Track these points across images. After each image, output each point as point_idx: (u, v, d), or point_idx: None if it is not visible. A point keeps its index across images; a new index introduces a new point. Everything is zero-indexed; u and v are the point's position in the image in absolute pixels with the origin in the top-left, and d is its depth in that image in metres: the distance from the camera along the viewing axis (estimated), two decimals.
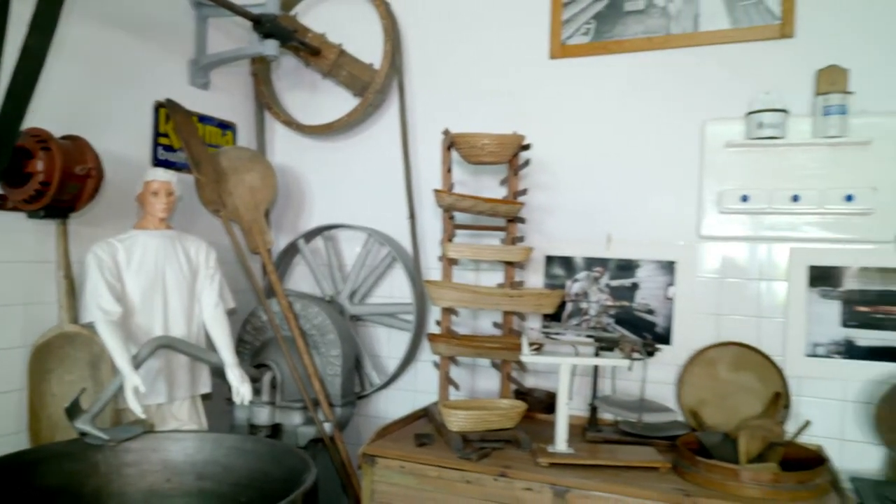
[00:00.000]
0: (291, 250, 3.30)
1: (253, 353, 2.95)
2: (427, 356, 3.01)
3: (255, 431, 2.73)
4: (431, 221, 3.09)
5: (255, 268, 3.13)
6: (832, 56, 2.45)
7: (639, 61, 2.77)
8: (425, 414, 2.74)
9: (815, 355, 2.47)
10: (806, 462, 2.12)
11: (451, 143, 2.64)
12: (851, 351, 2.43)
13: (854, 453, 2.42)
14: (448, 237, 2.61)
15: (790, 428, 2.36)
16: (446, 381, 2.62)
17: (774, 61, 2.56)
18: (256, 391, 2.66)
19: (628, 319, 2.73)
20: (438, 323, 2.67)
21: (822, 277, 2.47)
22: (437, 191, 2.55)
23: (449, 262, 2.61)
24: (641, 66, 2.76)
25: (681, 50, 2.70)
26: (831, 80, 2.41)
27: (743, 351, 2.52)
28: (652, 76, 2.74)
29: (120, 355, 2.20)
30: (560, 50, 2.88)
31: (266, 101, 3.34)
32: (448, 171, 2.66)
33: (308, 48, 3.09)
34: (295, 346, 2.83)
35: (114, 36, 2.62)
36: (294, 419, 2.76)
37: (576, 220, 2.84)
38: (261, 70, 3.33)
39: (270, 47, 2.87)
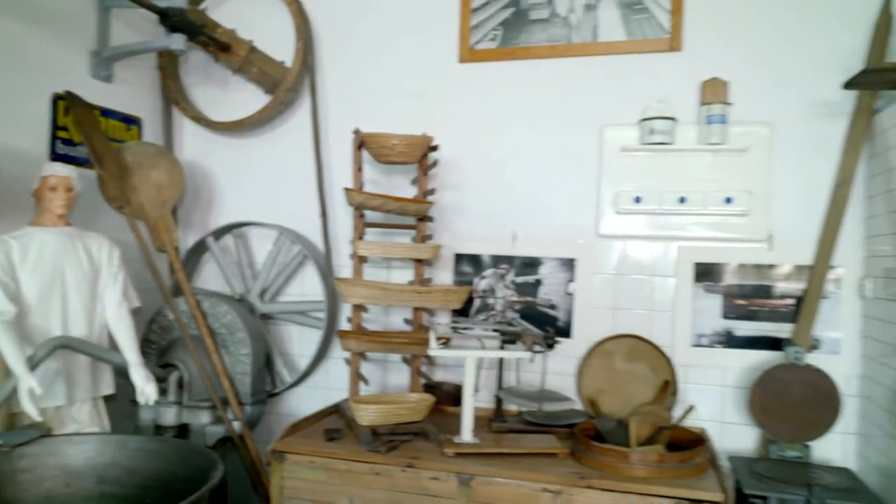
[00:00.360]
0: (200, 248, 3.26)
1: (159, 352, 2.90)
2: (338, 353, 3.04)
3: (162, 432, 2.68)
4: (343, 220, 3.12)
5: (162, 266, 3.06)
6: (715, 69, 2.66)
7: (543, 68, 2.90)
8: (336, 410, 2.78)
9: (699, 345, 2.68)
10: (690, 443, 2.30)
11: (362, 142, 2.68)
12: (731, 340, 2.65)
13: (733, 434, 2.64)
14: (359, 235, 2.66)
15: (678, 413, 2.55)
16: (357, 377, 2.67)
17: (665, 72, 2.75)
18: (163, 391, 2.62)
19: (532, 314, 2.87)
20: (350, 320, 2.71)
21: (706, 273, 2.68)
22: (347, 189, 2.59)
23: (360, 260, 2.66)
24: (545, 72, 2.90)
25: (581, 58, 2.85)
26: (714, 91, 2.62)
27: (637, 342, 2.70)
28: (555, 82, 2.88)
29: (13, 356, 2.12)
30: (469, 54, 2.98)
31: (173, 95, 3.27)
32: (359, 170, 2.70)
33: (217, 43, 3.06)
34: (203, 345, 2.80)
35: (6, 24, 2.51)
36: (202, 418, 2.73)
37: (483, 219, 2.95)
38: (168, 64, 3.26)
39: (177, 41, 2.82)
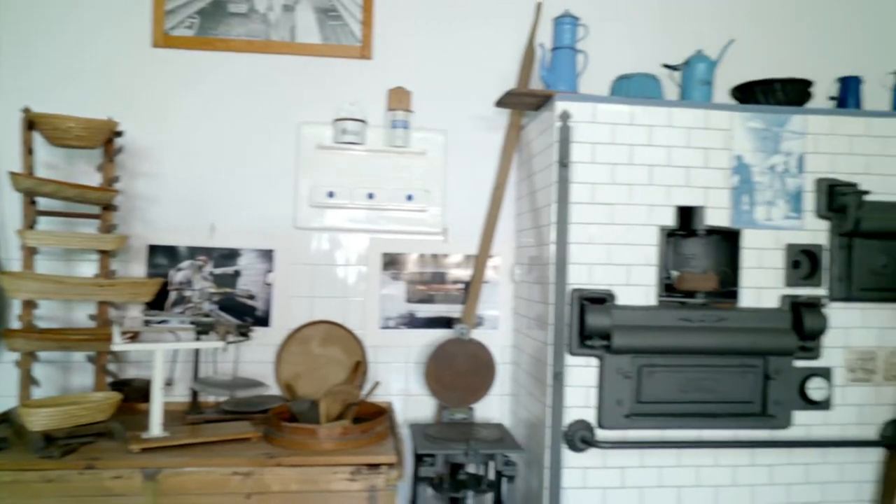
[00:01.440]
0: None
1: None
2: (8, 356, 2.72)
3: None
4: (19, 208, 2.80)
5: None
6: (400, 79, 2.97)
7: (242, 61, 2.93)
8: (5, 419, 2.50)
9: (387, 327, 2.97)
10: (374, 416, 2.56)
11: (32, 123, 2.45)
12: (413, 322, 2.99)
13: (417, 405, 2.98)
14: (28, 224, 2.42)
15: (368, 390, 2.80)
16: (27, 380, 2.44)
17: (357, 77, 2.98)
18: None
19: (231, 305, 2.89)
20: (20, 318, 2.45)
21: (393, 263, 2.98)
22: (12, 173, 2.34)
23: (30, 252, 2.42)
24: (245, 66, 2.93)
25: (280, 56, 2.94)
26: (398, 99, 2.91)
27: (331, 327, 2.90)
28: (255, 77, 2.94)
29: None
30: (163, 39, 2.88)
31: None
32: (29, 152, 2.46)
33: None
34: None
35: None
36: None
37: (180, 209, 2.89)
38: None
39: None
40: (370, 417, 2.53)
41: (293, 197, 2.93)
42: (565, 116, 2.40)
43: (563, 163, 2.39)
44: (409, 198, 2.92)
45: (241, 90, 2.93)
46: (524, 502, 2.74)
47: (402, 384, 2.99)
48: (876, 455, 2.59)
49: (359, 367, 2.86)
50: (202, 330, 2.50)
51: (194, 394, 2.66)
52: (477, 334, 2.97)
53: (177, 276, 2.87)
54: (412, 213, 2.96)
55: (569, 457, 2.45)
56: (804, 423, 2.55)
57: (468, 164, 3.03)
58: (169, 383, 2.78)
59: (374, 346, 2.95)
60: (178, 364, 2.79)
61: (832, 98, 2.86)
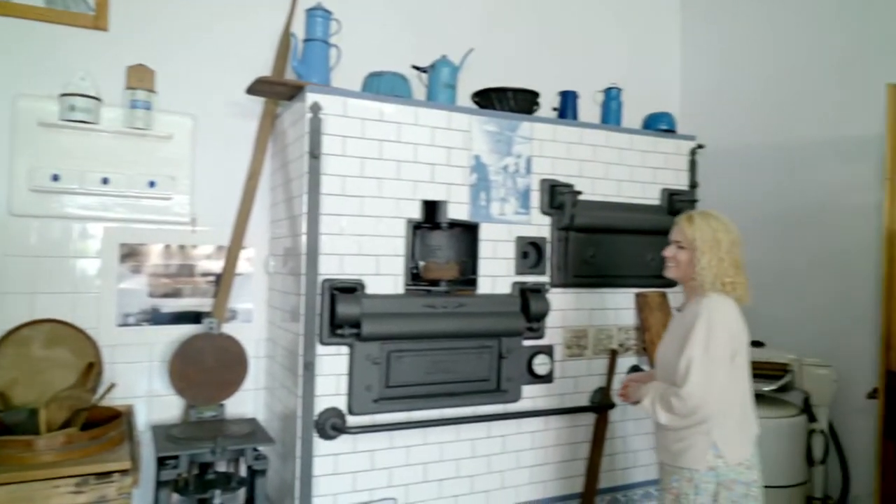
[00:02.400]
0: None
1: None
2: None
3: None
4: None
5: None
6: (142, 56, 2.75)
7: None
8: None
9: (126, 324, 2.74)
10: (109, 420, 2.34)
11: None
12: (157, 318, 2.79)
13: (162, 406, 2.79)
14: None
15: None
16: None
17: (91, 49, 2.69)
18: None
19: None
20: None
21: (133, 254, 2.75)
22: None
23: None
24: None
25: None
26: (139, 77, 2.70)
27: (57, 327, 2.59)
28: None
29: None
30: None
31: None
32: None
33: None
34: None
35: None
36: None
37: None
38: None
39: None
40: (104, 422, 2.32)
41: (8, 180, 2.56)
42: (316, 108, 2.42)
43: (314, 154, 2.41)
44: (152, 184, 2.72)
45: None
46: (279, 496, 2.72)
47: (145, 385, 2.77)
48: (588, 419, 3.02)
49: (92, 369, 2.60)
50: None
51: None
52: (229, 328, 2.87)
53: None
54: (156, 200, 2.76)
55: (320, 445, 2.49)
56: (531, 395, 2.88)
57: (220, 151, 2.91)
58: None
59: (111, 346, 2.70)
60: None
61: (554, 109, 3.26)
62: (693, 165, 3.28)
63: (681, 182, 3.25)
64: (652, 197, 3.16)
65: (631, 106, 3.45)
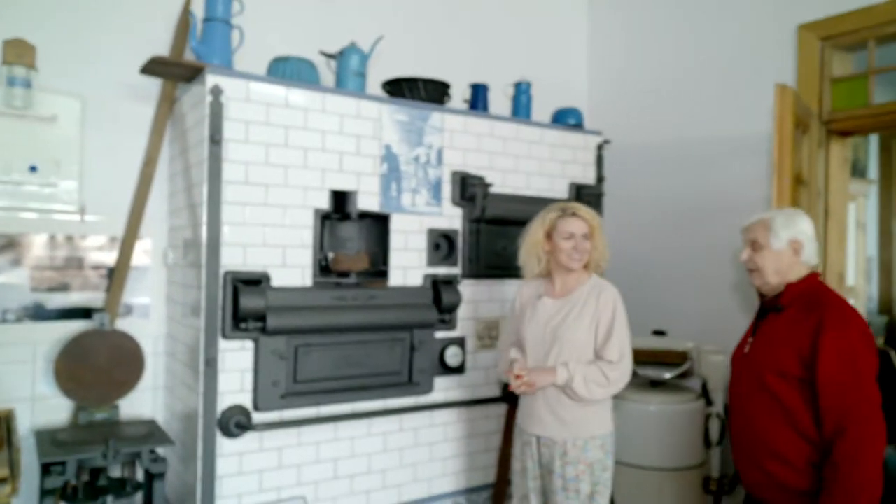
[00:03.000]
0: None
1: None
2: None
3: None
4: None
5: None
6: (20, 30, 2.52)
7: None
8: None
9: (5, 321, 2.52)
10: None
11: None
12: (40, 314, 2.58)
13: (46, 409, 2.58)
14: None
15: None
16: None
17: None
18: None
19: None
20: None
21: (12, 245, 2.53)
22: None
23: None
24: None
25: None
26: (18, 52, 2.48)
27: None
28: None
29: None
30: None
31: None
32: None
33: None
34: None
35: None
36: None
37: None
38: None
39: None
40: None
41: None
42: (217, 91, 2.30)
43: (215, 139, 2.29)
44: (33, 169, 2.51)
45: None
46: (180, 500, 2.58)
47: (27, 386, 2.56)
48: (499, 409, 3.04)
49: None
50: None
51: None
52: (124, 325, 2.69)
53: None
54: (37, 187, 2.55)
55: (224, 444, 2.38)
56: (443, 387, 2.87)
57: (113, 135, 2.72)
58: None
59: None
60: None
61: (465, 101, 3.26)
62: (600, 160, 3.37)
63: (588, 176, 3.33)
64: (560, 190, 3.21)
65: (540, 100, 3.50)
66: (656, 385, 3.20)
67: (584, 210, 2.38)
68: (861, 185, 5.44)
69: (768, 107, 3.12)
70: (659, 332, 3.33)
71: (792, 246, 2.02)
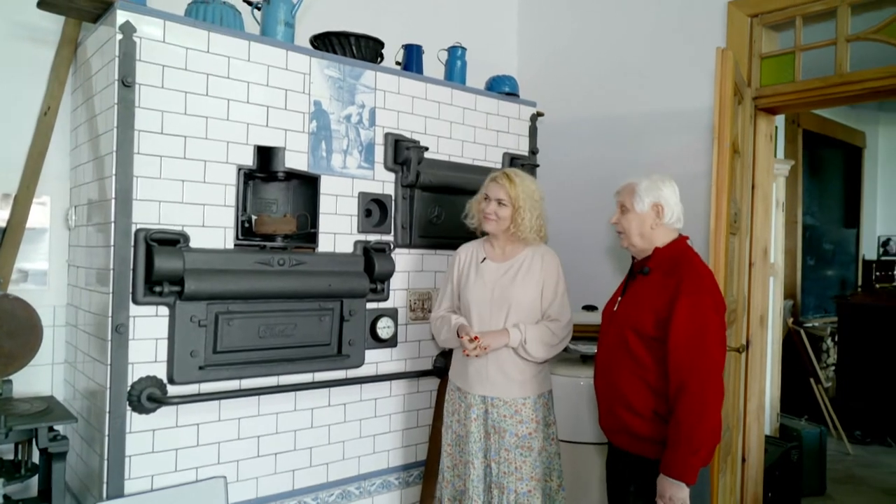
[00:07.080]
0: None
1: None
2: None
3: None
4: None
5: None
6: None
7: None
8: None
9: None
10: None
11: None
12: None
13: None
14: None
15: None
16: None
17: None
18: None
19: None
20: None
21: None
22: None
23: None
24: None
25: None
26: None
27: None
28: None
29: None
30: None
31: None
32: None
33: None
34: None
35: None
36: None
37: None
38: None
39: None
40: None
41: None
42: (128, 29, 2.08)
43: (126, 82, 2.07)
44: None
45: None
46: (84, 484, 2.34)
47: None
48: (432, 384, 2.95)
49: None
50: None
51: None
52: (18, 292, 2.41)
53: None
54: None
55: (135, 420, 2.17)
56: (374, 360, 2.75)
57: (4, 82, 2.43)
58: None
59: None
60: None
61: (398, 63, 3.12)
62: (533, 132, 3.32)
63: (522, 147, 3.27)
64: (494, 160, 3.14)
65: (474, 69, 3.41)
66: (587, 360, 3.19)
67: (511, 178, 2.41)
68: (782, 165, 5.58)
69: (702, 82, 3.16)
70: (590, 307, 3.32)
71: (654, 209, 2.12)
